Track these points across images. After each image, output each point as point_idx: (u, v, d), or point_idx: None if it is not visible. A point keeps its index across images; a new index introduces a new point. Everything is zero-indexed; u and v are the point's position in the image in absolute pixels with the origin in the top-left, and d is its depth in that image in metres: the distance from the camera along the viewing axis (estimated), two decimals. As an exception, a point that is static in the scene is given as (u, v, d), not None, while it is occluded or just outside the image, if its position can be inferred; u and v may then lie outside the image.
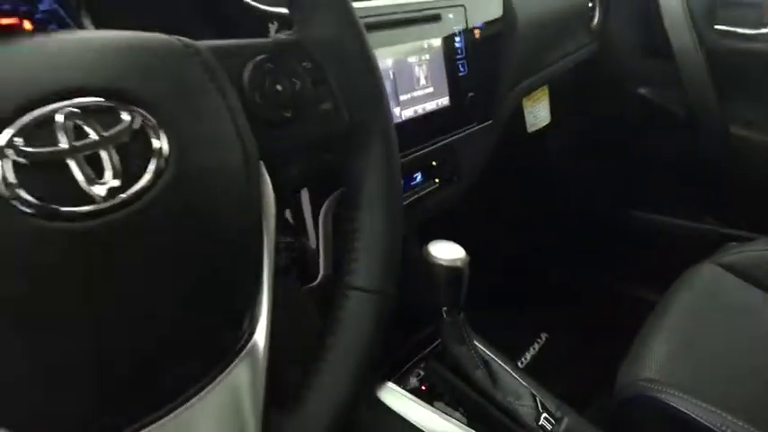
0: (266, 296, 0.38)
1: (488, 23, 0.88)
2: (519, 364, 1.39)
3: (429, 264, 0.73)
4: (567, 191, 1.58)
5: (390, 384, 0.79)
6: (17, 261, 0.27)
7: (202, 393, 0.34)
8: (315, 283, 0.70)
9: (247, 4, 0.58)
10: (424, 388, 0.80)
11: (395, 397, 0.78)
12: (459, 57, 0.82)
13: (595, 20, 1.30)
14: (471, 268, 0.73)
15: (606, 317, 1.40)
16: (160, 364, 0.32)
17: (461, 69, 0.83)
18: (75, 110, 0.29)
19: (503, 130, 0.96)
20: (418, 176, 0.81)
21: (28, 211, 0.28)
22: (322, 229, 0.61)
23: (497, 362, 0.82)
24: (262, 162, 0.38)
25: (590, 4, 1.28)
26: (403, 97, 0.74)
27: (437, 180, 0.83)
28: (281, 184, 0.40)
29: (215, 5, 0.60)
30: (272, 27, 0.57)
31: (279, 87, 0.40)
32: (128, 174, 0.30)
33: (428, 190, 0.81)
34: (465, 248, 0.74)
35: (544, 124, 1.21)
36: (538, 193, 1.54)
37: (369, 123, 0.45)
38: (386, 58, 0.71)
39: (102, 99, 0.31)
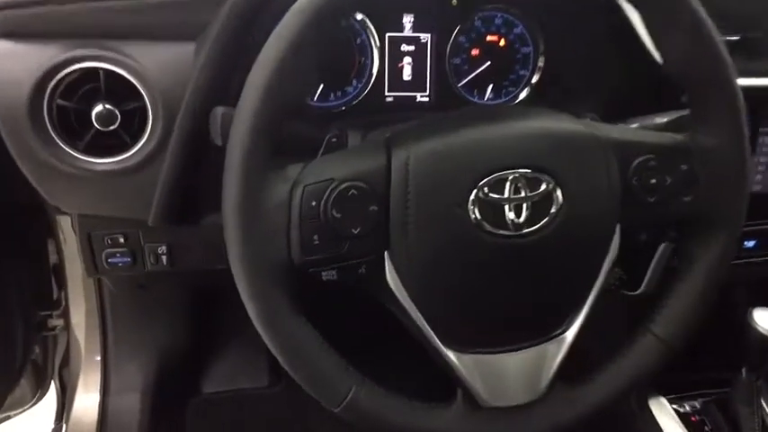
0: (586, 309, 0.55)
1: None
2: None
3: (748, 325, 0.78)
4: None
5: (664, 400, 0.89)
6: (466, 251, 0.51)
7: (524, 350, 0.55)
8: (635, 292, 0.84)
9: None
10: (693, 419, 0.88)
11: (663, 412, 0.88)
12: None
13: None
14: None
15: None
16: (518, 322, 0.54)
17: None
18: (518, 176, 0.50)
19: None
20: (751, 243, 0.83)
21: (475, 225, 0.50)
22: (651, 271, 0.74)
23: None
24: (619, 225, 0.54)
25: None
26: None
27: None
28: (628, 244, 0.55)
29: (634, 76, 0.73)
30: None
31: (653, 180, 0.53)
32: (533, 217, 0.50)
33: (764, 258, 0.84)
34: None
35: None
36: None
37: (723, 216, 0.55)
38: None
39: (533, 171, 0.50)
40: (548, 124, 0.53)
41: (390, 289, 0.52)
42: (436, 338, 0.53)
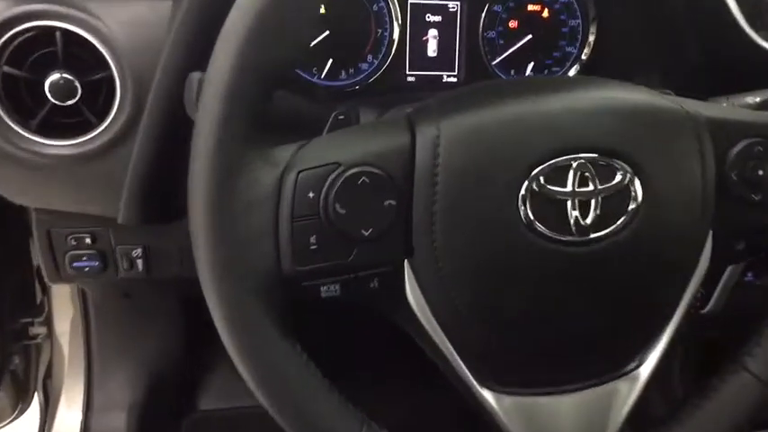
0: (666, 338, 0.43)
1: None
2: None
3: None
4: None
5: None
6: (514, 261, 0.39)
7: (584, 390, 0.43)
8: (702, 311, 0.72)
9: (757, 46, 0.57)
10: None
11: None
12: None
13: None
14: None
15: None
16: (579, 354, 0.42)
17: None
18: (584, 162, 0.38)
19: None
20: None
21: (526, 226, 0.38)
22: (722, 286, 0.62)
23: None
24: (712, 231, 0.42)
25: None
26: None
27: None
28: (722, 253, 0.43)
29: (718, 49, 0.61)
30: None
31: (760, 172, 0.41)
32: (603, 218, 0.38)
33: None
34: None
35: None
36: None
37: None
38: None
39: (603, 156, 0.38)
40: (621, 95, 0.41)
41: (410, 308, 0.41)
42: (468, 373, 0.42)
